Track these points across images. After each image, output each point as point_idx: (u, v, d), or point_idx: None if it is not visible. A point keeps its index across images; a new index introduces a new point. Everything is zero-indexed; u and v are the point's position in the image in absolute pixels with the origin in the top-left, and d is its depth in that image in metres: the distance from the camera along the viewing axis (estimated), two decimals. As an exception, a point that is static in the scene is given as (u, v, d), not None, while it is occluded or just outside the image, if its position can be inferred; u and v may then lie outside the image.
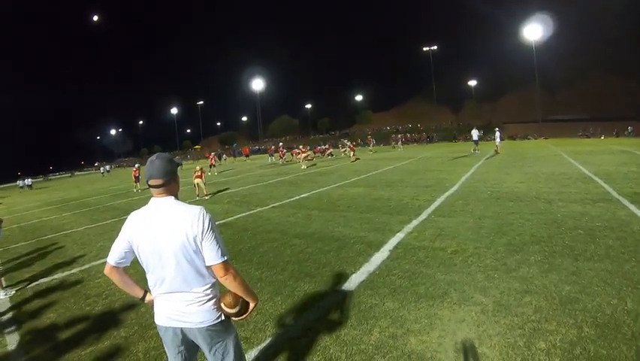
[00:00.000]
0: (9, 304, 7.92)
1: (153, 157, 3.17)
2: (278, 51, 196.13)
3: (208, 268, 3.02)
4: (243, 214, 14.03)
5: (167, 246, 2.95)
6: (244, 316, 3.16)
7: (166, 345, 3.27)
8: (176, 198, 3.15)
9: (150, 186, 3.09)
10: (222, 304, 3.09)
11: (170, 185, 3.12)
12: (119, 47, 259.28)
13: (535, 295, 5.84)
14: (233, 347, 3.22)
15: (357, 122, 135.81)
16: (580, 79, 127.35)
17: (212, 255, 2.95)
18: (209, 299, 3.08)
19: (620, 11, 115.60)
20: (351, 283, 6.85)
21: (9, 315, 7.37)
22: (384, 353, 4.64)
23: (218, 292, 3.17)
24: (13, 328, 6.71)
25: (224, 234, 11.21)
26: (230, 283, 3.02)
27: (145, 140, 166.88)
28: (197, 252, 2.96)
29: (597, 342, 4.50)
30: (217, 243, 2.97)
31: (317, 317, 5.75)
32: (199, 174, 20.29)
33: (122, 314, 6.55)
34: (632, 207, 10.66)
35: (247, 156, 63.50)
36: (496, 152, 33.14)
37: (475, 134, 38.00)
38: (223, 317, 3.14)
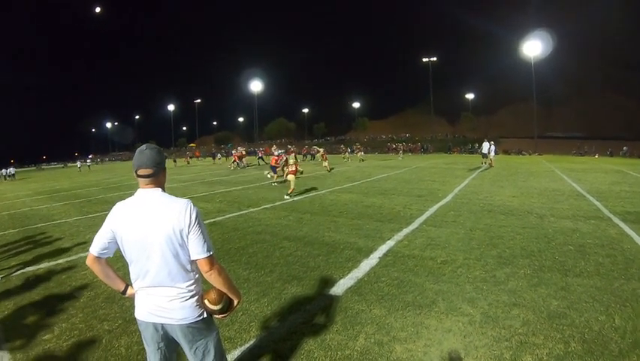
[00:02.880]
0: (-7, 292, 7.83)
1: (143, 147, 3.12)
2: (277, 54, 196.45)
3: (193, 262, 2.99)
4: (234, 214, 13.98)
5: (152, 238, 2.91)
6: (227, 314, 3.12)
7: (145, 341, 3.22)
8: (163, 190, 3.11)
9: (139, 176, 3.03)
10: (206, 301, 3.04)
11: (159, 176, 3.07)
12: (120, 41, 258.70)
13: (523, 308, 5.83)
14: (214, 345, 3.17)
15: (353, 128, 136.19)
16: (577, 97, 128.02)
17: (198, 249, 2.91)
18: (192, 296, 3.04)
19: (619, 30, 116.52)
20: (339, 288, 6.82)
21: (-8, 303, 7.29)
22: (368, 359, 4.61)
23: (202, 289, 3.13)
24: (-6, 316, 6.63)
25: (215, 233, 11.15)
26: (214, 279, 2.98)
27: (140, 135, 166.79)
28: (183, 245, 2.92)
29: (584, 358, 4.49)
30: (203, 237, 2.94)
31: (303, 320, 5.70)
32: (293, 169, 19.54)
33: (107, 307, 6.49)
34: (623, 226, 10.72)
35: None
36: (491, 165, 33.19)
37: (485, 146, 37.87)
38: (205, 315, 3.10)
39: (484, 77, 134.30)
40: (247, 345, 5.06)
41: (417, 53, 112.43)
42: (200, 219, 2.98)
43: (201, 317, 3.07)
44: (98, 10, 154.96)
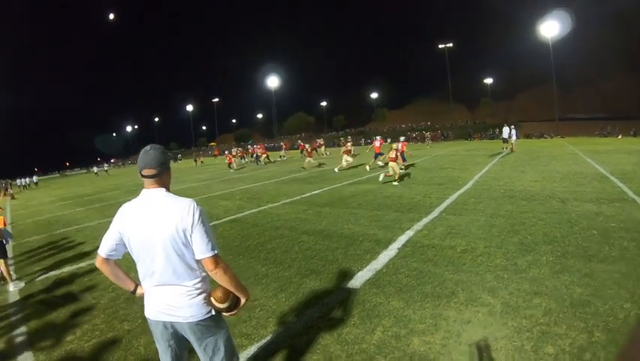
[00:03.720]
0: (18, 297, 8.00)
1: (147, 147, 3.12)
2: (292, 49, 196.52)
3: (198, 261, 2.97)
4: (254, 210, 13.99)
5: (156, 238, 2.91)
6: (234, 311, 3.10)
7: (156, 339, 3.24)
8: (168, 190, 3.10)
9: (143, 176, 3.03)
10: (212, 299, 3.02)
11: (163, 176, 3.07)
12: (136, 44, 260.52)
13: (545, 296, 5.69)
14: (224, 342, 3.16)
15: (372, 119, 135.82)
16: (597, 77, 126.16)
17: (202, 248, 2.89)
18: (199, 293, 3.03)
19: (638, 10, 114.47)
20: (357, 280, 6.77)
21: (17, 307, 7.43)
22: (385, 353, 4.54)
23: (209, 286, 3.12)
24: (20, 319, 6.76)
25: (234, 230, 11.18)
26: (220, 278, 2.95)
27: (160, 137, 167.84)
28: (187, 245, 2.91)
29: (608, 348, 4.34)
30: (207, 236, 2.91)
31: (320, 314, 5.66)
32: (393, 156, 19.50)
33: (127, 308, 6.55)
34: (648, 208, 10.37)
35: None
36: (512, 150, 32.89)
37: (505, 131, 37.52)
38: (213, 312, 3.08)
39: (503, 62, 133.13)
40: (264, 341, 5.05)
41: (433, 39, 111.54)
42: (204, 218, 2.95)
43: (209, 315, 3.06)
44: (112, 16, 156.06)
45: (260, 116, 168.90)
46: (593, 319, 4.97)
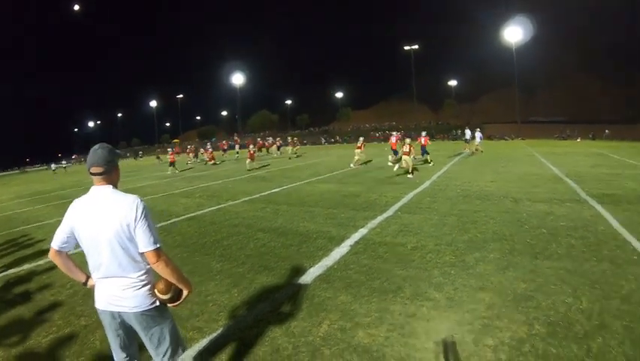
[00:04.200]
0: (-25, 295, 7.89)
1: (96, 146, 3.23)
2: (259, 46, 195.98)
3: (142, 254, 3.09)
4: (213, 208, 13.99)
5: (102, 232, 3.04)
6: (177, 303, 3.23)
7: (106, 329, 3.36)
8: (115, 187, 3.21)
9: (91, 173, 3.15)
10: (155, 290, 3.15)
11: (110, 174, 3.18)
12: (97, 38, 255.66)
13: (489, 291, 5.90)
14: (169, 332, 3.30)
15: (336, 119, 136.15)
16: (559, 82, 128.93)
17: (145, 242, 3.02)
18: (144, 285, 3.16)
19: (599, 16, 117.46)
20: (308, 276, 6.90)
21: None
22: (330, 345, 4.68)
23: (154, 278, 3.23)
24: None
25: (192, 227, 11.20)
26: (162, 270, 3.08)
27: (123, 133, 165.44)
28: (131, 239, 3.05)
29: (547, 340, 4.55)
30: (150, 231, 3.05)
31: (270, 308, 5.78)
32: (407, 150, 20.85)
33: (84, 304, 6.54)
34: (599, 208, 10.84)
35: (225, 150, 62.57)
36: (477, 150, 33.46)
37: (468, 133, 38.18)
38: (158, 303, 3.21)
39: (467, 64, 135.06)
40: (215, 334, 5.14)
41: (399, 41, 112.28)
42: (147, 213, 3.09)
43: (154, 305, 3.19)
44: (76, 7, 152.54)
45: (224, 113, 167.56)
46: (535, 312, 5.19)
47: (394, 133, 29.41)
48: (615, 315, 5.04)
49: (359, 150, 27.21)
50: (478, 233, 9.00)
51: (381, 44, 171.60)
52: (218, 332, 5.21)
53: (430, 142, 27.36)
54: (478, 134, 34.74)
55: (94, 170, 3.13)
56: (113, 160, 3.20)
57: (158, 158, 63.30)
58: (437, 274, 6.66)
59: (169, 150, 37.28)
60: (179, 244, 9.58)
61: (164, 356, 3.31)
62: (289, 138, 53.08)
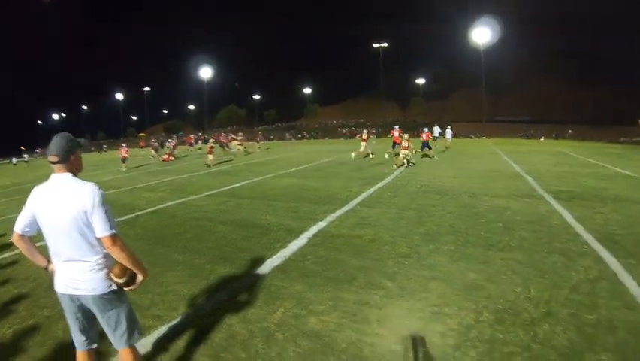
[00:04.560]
0: None
1: (56, 136, 3.36)
2: (227, 40, 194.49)
3: (99, 240, 3.23)
4: (176, 202, 13.99)
5: (61, 219, 3.18)
6: (133, 287, 3.39)
7: (65, 312, 3.50)
8: (75, 175, 3.35)
9: (50, 162, 3.30)
10: (111, 275, 3.31)
11: (67, 162, 3.31)
12: (63, 29, 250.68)
13: (440, 281, 6.13)
14: (125, 315, 3.46)
15: (304, 115, 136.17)
16: (526, 83, 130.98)
17: (101, 227, 3.17)
18: (101, 269, 3.31)
19: (565, 19, 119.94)
20: (266, 267, 7.06)
21: None
22: (284, 330, 4.86)
23: (111, 263, 3.37)
24: None
25: (154, 220, 11.23)
26: (117, 255, 3.23)
27: (89, 126, 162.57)
28: (89, 225, 3.19)
29: (494, 326, 4.77)
30: (106, 217, 3.20)
31: (227, 297, 5.94)
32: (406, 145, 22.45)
33: (47, 296, 6.54)
34: (554, 203, 11.23)
35: (191, 145, 62.12)
36: (447, 148, 34.13)
37: (436, 130, 38.83)
38: (115, 287, 3.36)
39: (436, 63, 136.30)
40: (173, 322, 5.27)
41: (369, 38, 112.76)
42: (103, 200, 3.24)
43: (111, 289, 3.34)
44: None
45: (192, 107, 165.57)
46: (484, 301, 5.42)
47: (396, 127, 30.20)
48: (563, 303, 5.29)
49: (364, 143, 28.17)
50: (434, 226, 9.26)
51: (351, 42, 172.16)
52: (177, 320, 5.33)
53: (432, 137, 29.15)
54: (448, 132, 35.42)
55: (51, 158, 3.26)
56: (70, 149, 3.32)
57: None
58: (391, 265, 6.89)
59: (123, 144, 35.09)
60: (141, 237, 9.62)
61: (121, 338, 3.45)
62: (240, 133, 50.56)
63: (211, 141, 31.97)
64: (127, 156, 33.03)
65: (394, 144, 28.60)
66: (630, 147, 51.10)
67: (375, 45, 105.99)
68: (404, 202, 11.90)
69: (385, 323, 4.95)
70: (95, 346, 3.65)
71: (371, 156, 27.86)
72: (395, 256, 7.36)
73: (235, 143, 41.20)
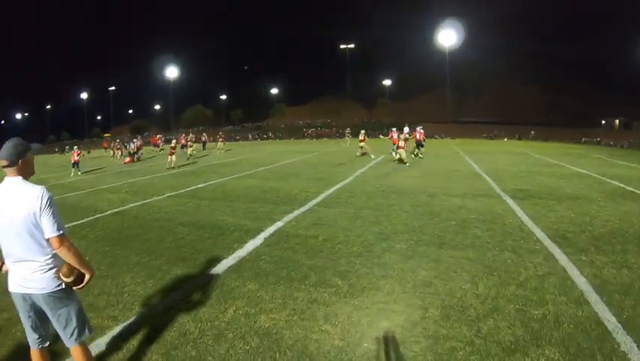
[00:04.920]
0: None
1: (7, 141, 3.50)
2: (193, 39, 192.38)
3: (47, 240, 3.38)
4: (138, 203, 13.99)
5: (12, 220, 3.32)
6: (80, 285, 3.53)
7: (19, 311, 3.65)
8: (25, 178, 3.48)
9: (1, 166, 3.44)
10: (60, 274, 3.45)
11: (17, 166, 3.43)
12: (26, 25, 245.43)
13: (390, 279, 6.34)
14: (75, 314, 3.60)
15: (270, 115, 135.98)
16: (491, 85, 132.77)
17: (49, 228, 3.32)
18: (50, 268, 3.45)
19: (529, 22, 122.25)
20: (221, 267, 7.20)
21: None
22: (234, 328, 5.00)
23: (60, 262, 3.50)
24: None
25: (115, 222, 11.23)
26: (65, 255, 3.39)
27: (52, 126, 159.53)
28: (37, 226, 3.34)
29: (439, 323, 4.93)
30: (54, 218, 3.35)
31: (181, 297, 6.07)
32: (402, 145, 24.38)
33: (5, 300, 6.48)
34: (510, 202, 11.64)
35: (156, 145, 61.62)
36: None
37: (406, 130, 39.24)
38: (64, 285, 3.50)
39: (403, 64, 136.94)
40: (128, 322, 5.37)
41: (335, 40, 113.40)
42: (51, 202, 3.39)
43: (60, 287, 3.48)
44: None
45: (157, 107, 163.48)
46: (431, 298, 5.62)
47: (393, 129, 31.15)
48: (509, 299, 5.51)
49: (363, 143, 30.07)
50: (389, 225, 9.53)
51: (318, 43, 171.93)
52: (132, 319, 5.43)
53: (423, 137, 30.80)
54: (406, 130, 35.87)
55: (1, 163, 3.41)
56: (19, 153, 3.45)
57: (88, 152, 62.18)
58: (343, 263, 7.10)
59: (75, 147, 31.98)
60: (101, 239, 9.63)
61: (71, 336, 3.60)
62: (191, 134, 48.10)
63: (173, 142, 31.32)
64: (78, 159, 29.72)
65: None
66: (591, 147, 52.59)
67: (343, 46, 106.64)
68: (361, 202, 12.16)
69: (332, 320, 5.10)
70: (47, 344, 3.78)
71: (372, 156, 29.12)
72: (348, 255, 7.56)
73: (194, 147, 39.92)
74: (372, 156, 28.95)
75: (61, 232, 3.36)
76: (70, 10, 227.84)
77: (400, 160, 23.52)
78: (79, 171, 28.98)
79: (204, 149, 47.35)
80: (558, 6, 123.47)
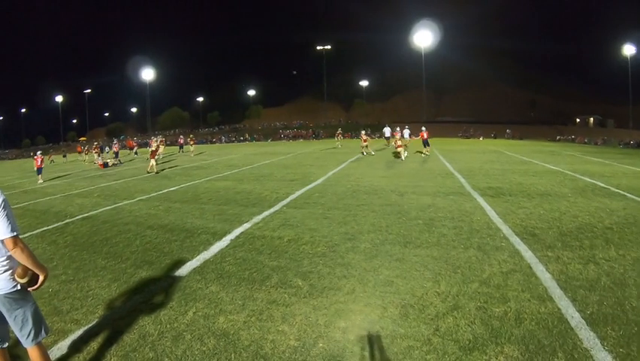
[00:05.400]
0: None
1: None
2: (170, 41, 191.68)
3: (2, 242, 3.46)
4: (109, 207, 13.94)
5: None
6: (35, 286, 3.61)
7: None
8: None
9: None
10: (15, 275, 3.53)
11: None
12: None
13: (351, 278, 6.43)
14: (31, 314, 3.67)
15: (247, 117, 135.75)
16: (468, 85, 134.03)
17: (3, 230, 3.40)
18: (6, 270, 3.53)
19: (506, 24, 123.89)
20: (185, 269, 7.25)
21: None
22: (192, 330, 5.08)
23: (15, 264, 3.58)
24: None
25: (85, 227, 11.19)
26: (18, 256, 3.47)
27: (28, 130, 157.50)
28: None
29: (397, 321, 5.01)
30: (7, 220, 3.42)
31: (143, 300, 6.12)
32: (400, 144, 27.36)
33: None
34: (480, 200, 11.83)
35: (132, 148, 61.12)
36: (406, 146, 34.95)
37: (387, 131, 39.61)
38: (19, 287, 3.57)
39: (380, 65, 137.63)
40: (90, 325, 5.42)
41: (313, 41, 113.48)
42: (5, 205, 3.47)
43: (15, 288, 3.56)
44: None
45: (134, 110, 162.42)
46: (391, 297, 5.71)
47: (397, 129, 34.53)
48: (471, 297, 5.60)
49: (365, 144, 31.80)
50: (355, 225, 9.62)
51: (296, 44, 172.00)
52: (94, 323, 5.48)
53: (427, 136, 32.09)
54: (406, 132, 36.26)
55: None
56: None
57: (64, 156, 61.81)
58: (306, 264, 7.18)
59: (38, 152, 29.97)
60: (70, 244, 9.61)
61: (27, 337, 3.66)
62: (155, 137, 46.67)
63: (154, 144, 30.93)
64: (42, 165, 27.81)
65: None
66: (566, 144, 53.26)
67: (319, 47, 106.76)
68: (331, 203, 12.25)
69: (289, 321, 5.18)
70: (6, 345, 3.84)
71: (372, 153, 31.93)
72: (312, 255, 7.65)
73: (162, 149, 39.10)
74: (373, 153, 31.38)
75: (15, 233, 3.43)
76: (44, 12, 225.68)
77: (398, 155, 26.59)
78: (41, 178, 26.68)
79: (181, 151, 46.98)
80: (535, 6, 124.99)
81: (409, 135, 36.85)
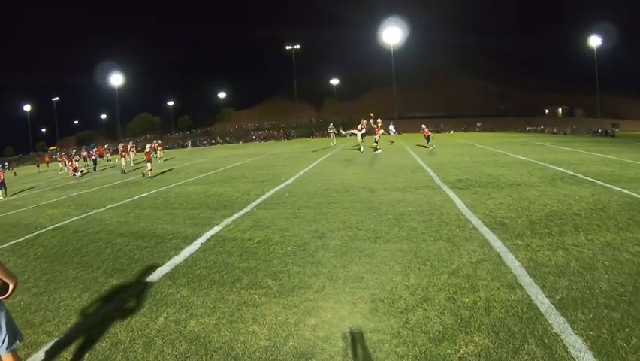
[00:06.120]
0: None
1: None
2: (137, 46, 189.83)
3: None
4: (79, 217, 13.83)
5: None
6: (6, 295, 3.65)
7: None
8: None
9: None
10: None
11: None
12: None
13: (321, 276, 6.51)
14: (4, 323, 3.68)
15: (218, 120, 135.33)
16: (437, 80, 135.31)
17: None
18: None
19: (473, 18, 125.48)
20: (156, 275, 7.27)
21: None
22: (164, 335, 5.12)
23: None
24: None
25: (55, 238, 11.12)
26: None
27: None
28: None
29: (367, 316, 5.07)
30: None
31: (115, 308, 6.14)
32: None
33: None
34: (450, 193, 12.00)
35: (101, 156, 60.61)
36: (392, 142, 35.34)
37: (392, 129, 39.96)
38: None
39: (349, 63, 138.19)
40: (62, 336, 5.43)
41: (281, 41, 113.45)
42: None
43: None
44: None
45: (104, 116, 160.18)
46: (361, 292, 5.79)
47: (378, 120, 33.30)
48: (440, 288, 5.70)
49: (358, 132, 31.75)
50: (326, 223, 9.72)
51: (264, 45, 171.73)
52: (66, 333, 5.50)
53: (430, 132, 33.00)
54: (391, 128, 36.52)
55: None
56: None
57: (37, 166, 61.31)
58: (276, 264, 7.26)
59: (5, 164, 26.67)
60: (41, 255, 9.55)
61: (2, 344, 3.67)
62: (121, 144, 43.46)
63: (148, 146, 30.52)
64: (3, 179, 25.51)
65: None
66: (536, 135, 54.11)
67: (288, 47, 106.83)
68: (301, 202, 12.33)
69: (260, 321, 5.24)
70: None
71: (361, 149, 31.55)
72: (282, 255, 7.73)
73: (132, 155, 39.84)
74: (362, 149, 31.19)
75: None
76: (8, 18, 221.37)
77: (375, 148, 29.17)
78: (5, 193, 25.21)
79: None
80: (501, 2, 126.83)
81: (395, 131, 37.24)
